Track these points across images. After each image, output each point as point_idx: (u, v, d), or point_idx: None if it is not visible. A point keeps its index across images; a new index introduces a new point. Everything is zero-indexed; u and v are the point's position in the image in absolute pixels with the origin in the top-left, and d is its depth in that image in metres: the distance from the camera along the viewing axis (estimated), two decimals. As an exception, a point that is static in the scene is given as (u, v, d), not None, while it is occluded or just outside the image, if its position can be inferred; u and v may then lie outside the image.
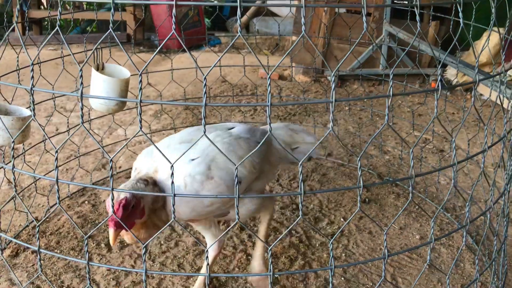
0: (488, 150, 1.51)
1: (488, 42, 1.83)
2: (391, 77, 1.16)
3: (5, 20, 2.29)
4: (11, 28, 1.25)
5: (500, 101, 1.60)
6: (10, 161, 1.35)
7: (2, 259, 1.75)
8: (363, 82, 5.00)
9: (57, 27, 1.11)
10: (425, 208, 2.69)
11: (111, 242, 1.47)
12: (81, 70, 1.10)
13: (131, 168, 3.06)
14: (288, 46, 6.36)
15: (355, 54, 4.81)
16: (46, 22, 7.39)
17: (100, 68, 2.18)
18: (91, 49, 2.73)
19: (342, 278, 2.11)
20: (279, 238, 1.20)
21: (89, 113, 3.02)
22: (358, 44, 4.93)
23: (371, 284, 2.08)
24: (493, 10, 1.30)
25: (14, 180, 1.20)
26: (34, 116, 1.22)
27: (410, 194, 1.22)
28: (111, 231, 1.47)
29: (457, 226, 2.47)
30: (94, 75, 2.09)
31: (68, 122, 2.81)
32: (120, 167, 3.12)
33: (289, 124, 2.20)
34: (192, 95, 4.48)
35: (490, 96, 2.02)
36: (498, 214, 1.96)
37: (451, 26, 2.49)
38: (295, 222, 1.20)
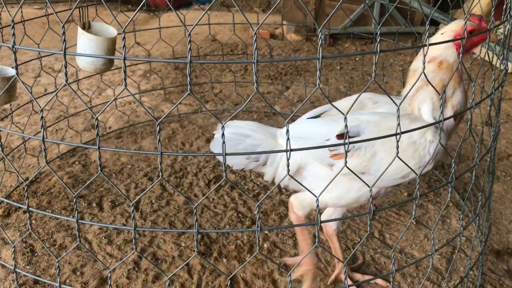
0: (475, 107, 1.52)
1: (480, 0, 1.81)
2: (378, 33, 1.15)
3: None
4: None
5: (488, 58, 1.60)
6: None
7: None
8: (356, 40, 4.95)
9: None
10: (413, 166, 2.72)
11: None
12: (63, 27, 1.07)
13: (121, 129, 3.07)
14: (280, 4, 6.25)
15: (347, 12, 4.74)
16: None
17: (87, 27, 2.14)
18: (77, 6, 2.66)
19: (331, 235, 2.15)
20: (266, 194, 1.22)
21: (76, 73, 2.99)
22: (351, 2, 4.85)
23: (359, 239, 2.12)
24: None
25: None
26: (17, 74, 1.20)
27: (396, 150, 1.23)
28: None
29: (444, 182, 2.51)
30: (80, 34, 2.05)
31: (55, 83, 2.78)
32: (110, 128, 3.11)
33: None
34: (181, 55, 4.42)
35: (480, 53, 2.01)
36: (485, 171, 1.99)
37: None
38: (281, 179, 1.21)
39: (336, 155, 1.57)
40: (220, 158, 1.77)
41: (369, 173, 1.55)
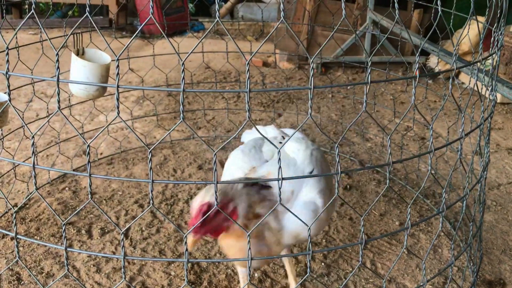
0: (465, 137, 1.53)
1: (469, 31, 1.85)
2: (369, 64, 1.16)
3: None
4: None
5: (478, 89, 1.62)
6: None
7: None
8: (347, 69, 5.01)
9: (33, 10, 1.09)
10: (405, 194, 2.73)
11: (189, 248, 1.27)
12: (57, 54, 1.08)
13: (112, 155, 3.06)
14: (273, 33, 6.34)
15: (339, 41, 4.82)
16: (25, 6, 7.24)
17: (80, 53, 2.15)
18: (71, 33, 2.68)
19: (323, 264, 2.13)
20: (258, 223, 1.21)
21: (69, 99, 2.99)
22: (343, 32, 4.93)
23: (351, 269, 2.11)
24: (472, 2, 1.31)
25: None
26: (10, 101, 1.20)
27: (387, 181, 1.24)
28: (190, 237, 1.32)
29: (435, 212, 2.51)
30: (74, 60, 2.06)
31: (48, 108, 2.78)
32: (101, 154, 3.10)
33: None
34: (175, 81, 4.44)
35: (469, 84, 2.05)
36: (476, 201, 2.00)
37: (432, 14, 2.50)
38: (272, 209, 1.21)
39: None
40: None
41: None
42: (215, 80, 4.37)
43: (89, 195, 1.14)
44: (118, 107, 1.06)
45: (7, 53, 1.14)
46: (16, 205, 2.46)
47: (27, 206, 2.47)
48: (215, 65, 4.97)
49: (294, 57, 5.01)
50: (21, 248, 2.15)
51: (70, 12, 7.56)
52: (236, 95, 4.24)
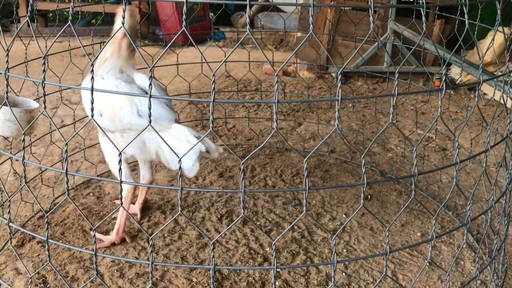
0: (490, 149, 1.53)
1: (493, 42, 1.84)
2: (396, 76, 1.18)
3: (14, 12, 2.32)
4: (23, 23, 1.27)
5: (504, 101, 1.62)
6: (18, 152, 1.38)
7: (9, 248, 1.79)
8: (367, 79, 5.01)
9: (69, 22, 1.13)
10: (426, 206, 2.72)
11: None
12: (92, 65, 1.12)
13: (135, 161, 3.10)
14: (293, 42, 6.37)
15: (359, 51, 4.82)
16: (50, 14, 7.41)
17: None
18: (97, 42, 2.74)
19: (343, 274, 2.13)
20: (282, 233, 1.22)
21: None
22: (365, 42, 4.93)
23: (372, 280, 2.10)
24: (498, 11, 1.32)
25: (24, 171, 1.23)
26: (44, 109, 1.24)
27: (413, 192, 1.24)
28: None
29: (458, 224, 2.49)
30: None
31: (74, 115, 2.84)
32: (124, 160, 3.15)
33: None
34: (196, 90, 4.50)
35: (494, 95, 2.04)
36: (499, 213, 1.98)
37: (456, 25, 2.50)
38: (298, 218, 1.22)
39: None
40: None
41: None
42: (237, 89, 4.40)
43: (120, 202, 1.17)
44: (150, 116, 1.10)
45: (44, 63, 1.18)
46: (49, 209, 2.51)
47: (52, 210, 2.52)
48: (235, 73, 5.01)
49: (314, 66, 5.03)
50: (47, 252, 2.20)
51: (93, 21, 7.71)
52: (257, 103, 4.26)
